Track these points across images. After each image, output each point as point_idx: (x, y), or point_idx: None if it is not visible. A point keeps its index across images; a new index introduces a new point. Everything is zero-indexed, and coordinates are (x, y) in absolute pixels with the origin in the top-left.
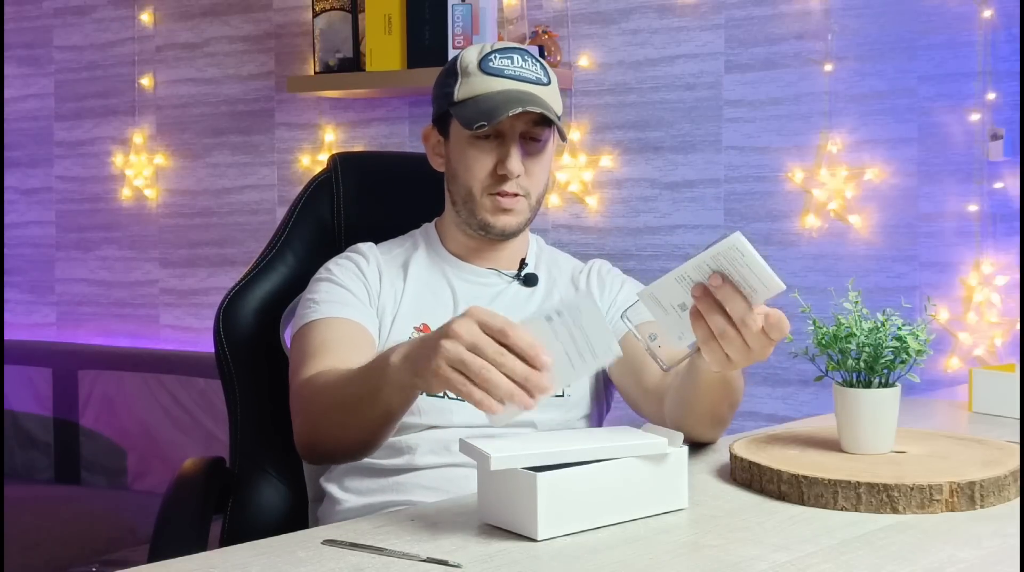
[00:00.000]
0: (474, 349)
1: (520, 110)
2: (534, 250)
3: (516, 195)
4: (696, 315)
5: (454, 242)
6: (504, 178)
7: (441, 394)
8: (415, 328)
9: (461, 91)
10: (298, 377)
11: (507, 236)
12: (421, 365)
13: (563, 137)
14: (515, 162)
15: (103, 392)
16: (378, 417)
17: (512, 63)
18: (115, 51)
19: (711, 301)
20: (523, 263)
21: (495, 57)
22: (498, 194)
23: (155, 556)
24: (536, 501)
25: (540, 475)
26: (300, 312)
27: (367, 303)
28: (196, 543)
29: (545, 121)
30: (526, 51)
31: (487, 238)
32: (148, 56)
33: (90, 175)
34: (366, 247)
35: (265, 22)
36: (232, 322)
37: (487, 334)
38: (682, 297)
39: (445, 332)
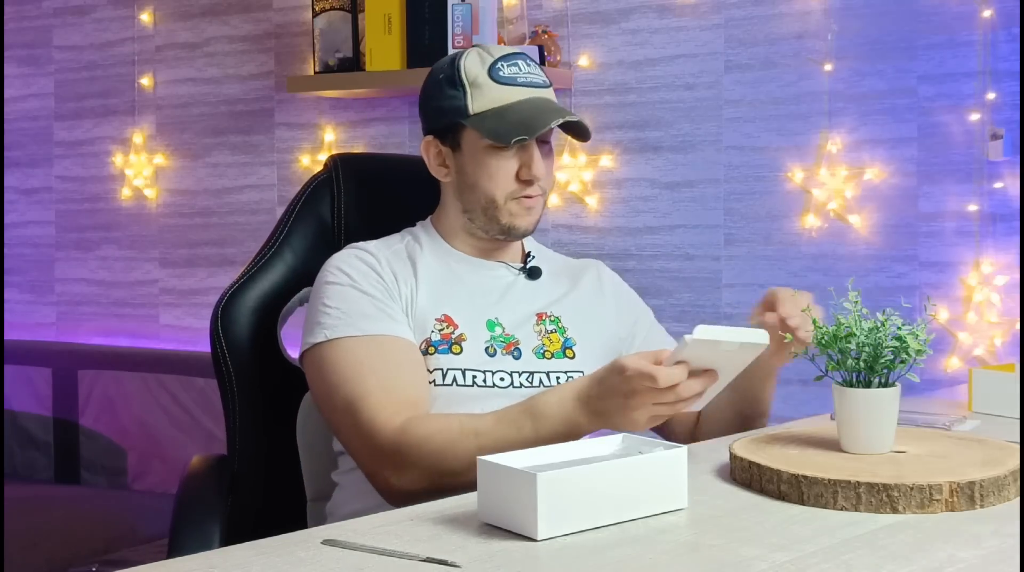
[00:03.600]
0: (654, 397)
1: (561, 120)
2: (531, 246)
3: (538, 196)
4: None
5: (461, 242)
6: (529, 182)
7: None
8: (436, 319)
9: (476, 103)
10: (381, 425)
11: (527, 235)
12: (617, 421)
13: (587, 137)
14: (540, 166)
15: (103, 392)
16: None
17: (520, 70)
18: (115, 51)
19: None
20: (528, 256)
21: (503, 65)
22: (523, 197)
23: (175, 553)
24: (536, 501)
25: (540, 475)
26: (317, 318)
27: (395, 306)
28: (214, 539)
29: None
30: (525, 55)
31: (506, 240)
32: (148, 56)
33: (90, 175)
34: (371, 245)
35: (265, 22)
36: (229, 321)
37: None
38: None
39: (627, 392)
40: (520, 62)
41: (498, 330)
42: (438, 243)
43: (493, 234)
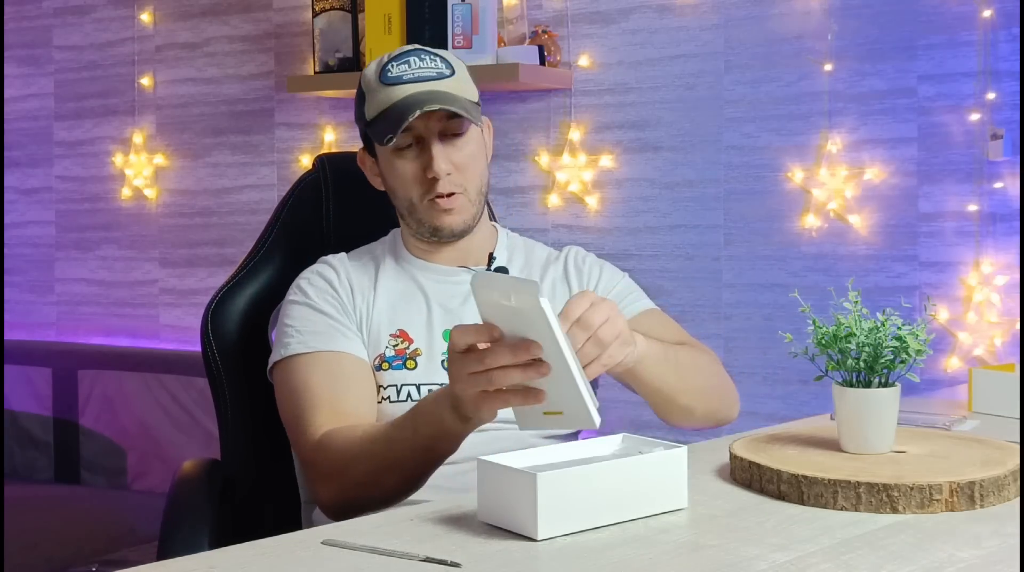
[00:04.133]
0: (471, 368)
1: (418, 113)
2: (504, 243)
3: (452, 194)
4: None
5: (416, 248)
6: (435, 180)
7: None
8: (391, 335)
9: (369, 109)
10: (307, 435)
11: (458, 235)
12: (462, 408)
13: (477, 122)
14: (439, 162)
15: (103, 392)
16: (432, 462)
17: (410, 67)
18: (115, 51)
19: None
20: (491, 257)
21: (392, 66)
22: (436, 198)
23: (164, 556)
24: (536, 501)
25: (540, 475)
26: (278, 337)
27: (347, 322)
28: (203, 544)
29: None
30: (423, 50)
31: (440, 242)
32: (148, 56)
33: (90, 175)
34: (336, 259)
35: (265, 22)
36: (220, 323)
37: (467, 349)
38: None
39: (449, 367)
40: (413, 58)
41: None
42: (401, 251)
43: (426, 236)
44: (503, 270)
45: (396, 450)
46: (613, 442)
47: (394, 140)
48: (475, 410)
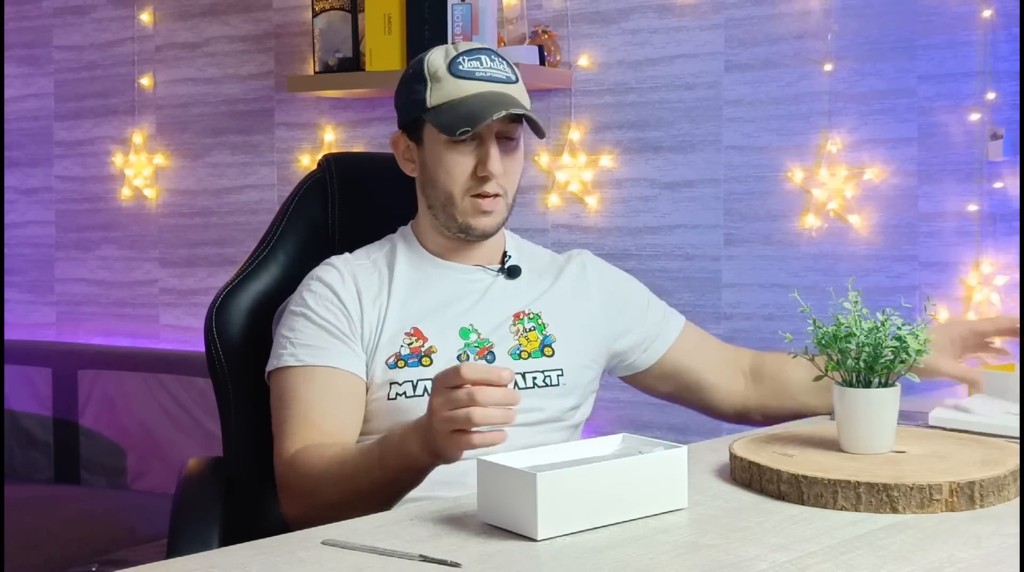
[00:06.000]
0: (455, 404)
1: (503, 113)
2: (513, 244)
3: (496, 196)
4: None
5: (434, 244)
6: (485, 179)
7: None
8: (406, 333)
9: (434, 96)
10: (281, 448)
11: (486, 236)
12: (434, 443)
13: (542, 134)
14: (496, 163)
15: (103, 392)
16: (395, 495)
17: (482, 64)
18: (115, 51)
19: None
20: (506, 256)
21: (464, 59)
22: (479, 196)
23: (174, 553)
24: (536, 501)
25: (540, 474)
26: (276, 346)
27: (348, 335)
28: (212, 543)
29: (518, 119)
30: (492, 51)
31: (466, 239)
32: (148, 56)
33: (90, 175)
34: (340, 262)
35: (265, 22)
36: (224, 322)
37: (454, 387)
38: None
39: (429, 410)
40: (484, 57)
41: (472, 337)
42: (415, 248)
43: (454, 232)
44: (516, 270)
45: (362, 478)
46: (613, 442)
47: (469, 133)
48: (444, 447)
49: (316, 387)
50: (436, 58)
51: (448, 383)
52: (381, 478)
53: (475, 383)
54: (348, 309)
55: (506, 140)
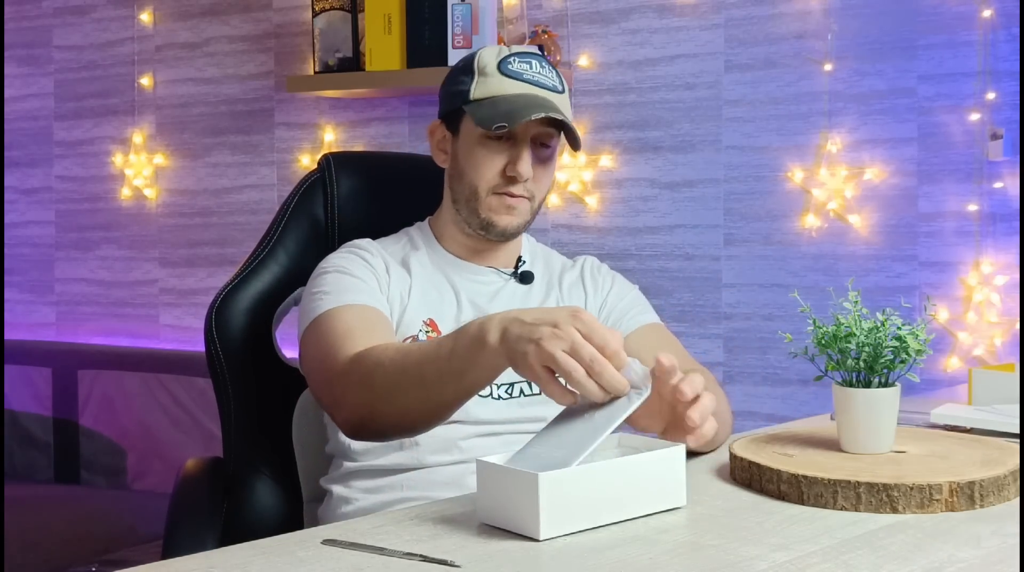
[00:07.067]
0: (574, 352)
1: (542, 115)
2: (528, 249)
3: (522, 197)
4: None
5: (452, 242)
6: (513, 179)
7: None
8: (424, 321)
9: (478, 90)
10: (340, 355)
11: (506, 237)
12: (521, 349)
13: (577, 146)
14: (526, 165)
15: (103, 392)
16: (460, 393)
17: (531, 68)
18: (115, 51)
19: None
20: (520, 261)
21: (514, 60)
22: (505, 193)
23: (169, 554)
24: (538, 501)
25: (542, 475)
26: (308, 306)
27: (379, 290)
28: (208, 543)
29: (556, 126)
30: (545, 59)
31: (486, 238)
32: (148, 56)
33: (90, 175)
34: (366, 242)
35: (265, 22)
36: (224, 322)
37: (586, 340)
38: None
39: (553, 325)
40: (535, 61)
41: None
42: (432, 245)
43: (474, 228)
44: (529, 275)
45: (427, 367)
46: (611, 442)
47: (504, 129)
48: (521, 364)
49: (360, 316)
50: (488, 54)
51: (584, 329)
52: (449, 358)
53: (602, 351)
54: (378, 274)
55: (542, 147)
